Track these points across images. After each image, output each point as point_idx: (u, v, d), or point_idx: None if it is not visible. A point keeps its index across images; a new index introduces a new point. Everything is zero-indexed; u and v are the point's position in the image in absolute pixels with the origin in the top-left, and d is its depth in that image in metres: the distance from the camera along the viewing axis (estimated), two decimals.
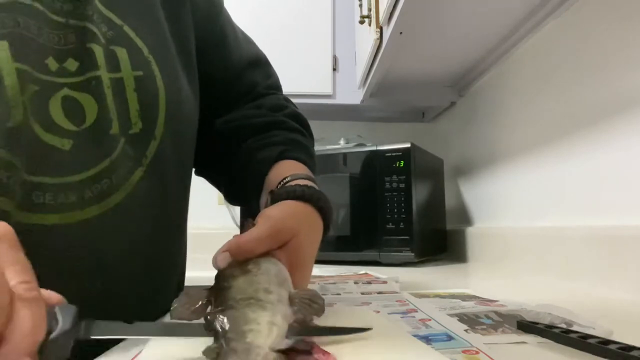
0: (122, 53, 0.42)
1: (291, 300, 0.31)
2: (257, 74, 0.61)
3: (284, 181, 0.47)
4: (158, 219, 0.45)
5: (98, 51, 0.40)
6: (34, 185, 0.35)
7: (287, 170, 0.49)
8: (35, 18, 0.37)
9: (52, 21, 0.38)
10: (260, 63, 0.63)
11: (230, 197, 0.62)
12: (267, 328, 0.27)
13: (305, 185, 0.45)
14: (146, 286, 0.45)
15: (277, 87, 0.65)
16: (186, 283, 0.57)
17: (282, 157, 0.52)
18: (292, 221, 0.40)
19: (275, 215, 0.40)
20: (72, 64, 0.38)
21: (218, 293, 0.32)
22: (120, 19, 0.43)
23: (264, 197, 0.50)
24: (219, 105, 0.59)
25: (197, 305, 0.31)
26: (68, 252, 0.36)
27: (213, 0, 0.59)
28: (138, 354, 0.30)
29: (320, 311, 0.32)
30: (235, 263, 0.34)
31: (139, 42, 0.44)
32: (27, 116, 0.35)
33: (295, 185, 0.45)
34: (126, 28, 0.43)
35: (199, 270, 0.51)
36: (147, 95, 0.43)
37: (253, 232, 0.37)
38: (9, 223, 0.26)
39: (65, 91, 0.38)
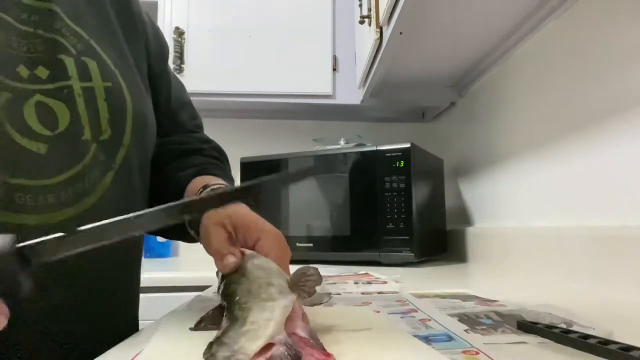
0: (92, 64, 0.44)
1: (291, 286, 0.34)
2: (186, 115, 0.68)
3: (201, 190, 0.51)
4: None
5: (69, 62, 0.42)
6: (16, 187, 0.37)
7: (205, 181, 0.53)
8: (3, 29, 0.39)
9: (20, 31, 0.40)
10: (189, 105, 0.70)
11: None
12: (263, 326, 0.28)
13: (223, 185, 0.50)
14: (115, 278, 0.49)
15: (201, 126, 0.72)
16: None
17: (199, 173, 0.57)
18: (232, 208, 0.45)
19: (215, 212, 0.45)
20: (42, 72, 0.40)
21: (225, 303, 0.34)
22: (87, 34, 0.46)
23: None
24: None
25: (212, 325, 0.34)
26: None
27: (162, 41, 0.65)
28: (137, 354, 0.30)
29: (318, 280, 0.35)
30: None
31: (105, 56, 0.47)
32: (3, 123, 0.37)
33: (215, 186, 0.50)
34: (93, 42, 0.46)
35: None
36: (116, 105, 0.46)
37: (218, 235, 0.41)
38: None
39: (38, 97, 0.39)
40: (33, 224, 0.38)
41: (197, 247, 0.71)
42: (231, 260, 0.38)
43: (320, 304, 0.35)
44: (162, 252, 1.57)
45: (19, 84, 0.38)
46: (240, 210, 0.45)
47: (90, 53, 0.45)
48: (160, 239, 1.51)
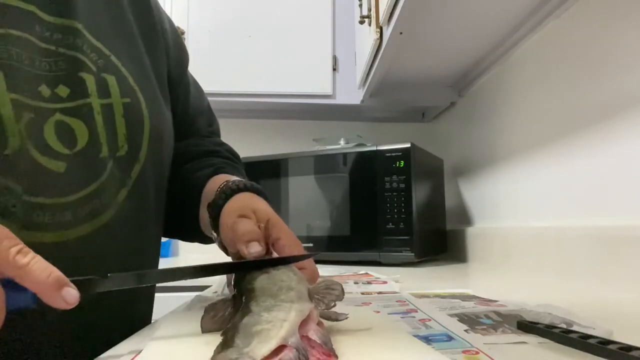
0: (111, 80, 0.45)
1: (310, 295, 0.34)
2: (203, 122, 0.69)
3: (222, 186, 0.50)
4: (140, 235, 0.49)
5: (89, 79, 0.43)
6: (35, 206, 0.38)
7: (225, 178, 0.53)
8: (25, 49, 0.39)
9: (42, 49, 0.40)
10: (207, 111, 0.70)
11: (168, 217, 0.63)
12: (277, 326, 0.28)
13: (241, 180, 0.50)
14: (129, 295, 0.47)
15: (217, 133, 0.72)
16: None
17: (216, 172, 0.57)
18: (257, 204, 0.46)
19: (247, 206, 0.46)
20: (63, 90, 0.41)
21: (241, 298, 0.34)
22: (107, 49, 0.46)
23: (202, 209, 0.53)
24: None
25: (222, 316, 0.34)
26: (65, 269, 0.37)
27: (183, 49, 0.65)
28: (137, 354, 0.30)
29: (340, 295, 0.35)
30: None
31: (125, 72, 0.47)
32: (24, 142, 0.37)
33: (237, 181, 0.50)
34: (113, 58, 0.47)
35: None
36: (133, 121, 0.46)
37: (246, 223, 0.41)
38: None
39: (58, 116, 0.40)
40: (50, 242, 0.38)
41: (197, 248, 0.72)
42: (257, 248, 0.38)
43: (336, 320, 0.35)
44: (162, 252, 1.57)
45: (40, 104, 0.39)
46: (262, 206, 0.46)
47: (110, 69, 0.45)
48: (163, 239, 1.52)
